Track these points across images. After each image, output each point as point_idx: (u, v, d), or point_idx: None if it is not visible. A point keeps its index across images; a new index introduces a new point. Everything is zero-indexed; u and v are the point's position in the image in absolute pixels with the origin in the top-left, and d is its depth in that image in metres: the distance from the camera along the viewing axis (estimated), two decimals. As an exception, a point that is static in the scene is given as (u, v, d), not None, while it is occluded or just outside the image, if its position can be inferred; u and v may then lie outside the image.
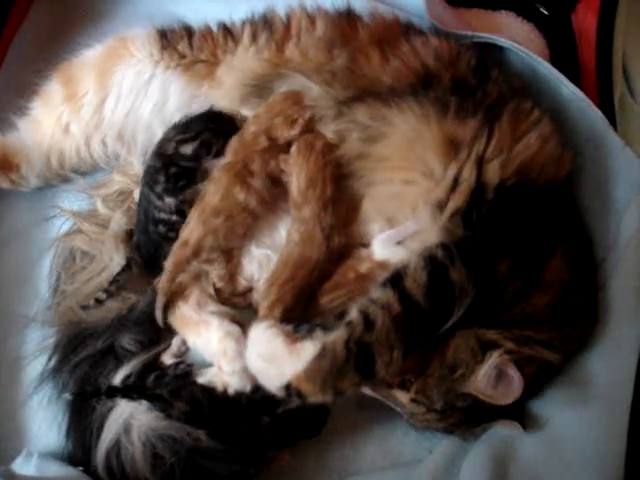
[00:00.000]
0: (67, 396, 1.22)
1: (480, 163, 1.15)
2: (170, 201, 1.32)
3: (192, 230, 1.27)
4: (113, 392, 1.19)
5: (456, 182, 1.15)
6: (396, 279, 1.06)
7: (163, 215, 1.32)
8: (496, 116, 1.20)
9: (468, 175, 1.14)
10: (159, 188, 1.32)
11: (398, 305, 1.03)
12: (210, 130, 1.34)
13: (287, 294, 1.23)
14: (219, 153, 1.34)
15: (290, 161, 1.30)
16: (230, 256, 1.33)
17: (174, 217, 1.32)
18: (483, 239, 1.09)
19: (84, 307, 1.31)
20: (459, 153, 1.17)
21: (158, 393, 1.17)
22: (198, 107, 1.40)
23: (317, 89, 1.31)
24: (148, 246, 1.33)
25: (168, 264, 1.28)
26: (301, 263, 1.25)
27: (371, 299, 1.05)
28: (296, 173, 1.28)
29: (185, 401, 1.17)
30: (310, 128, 1.32)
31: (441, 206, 1.15)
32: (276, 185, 1.33)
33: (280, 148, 1.32)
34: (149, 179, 1.33)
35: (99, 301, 1.31)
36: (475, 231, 1.11)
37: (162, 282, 1.28)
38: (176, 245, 1.28)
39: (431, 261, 1.06)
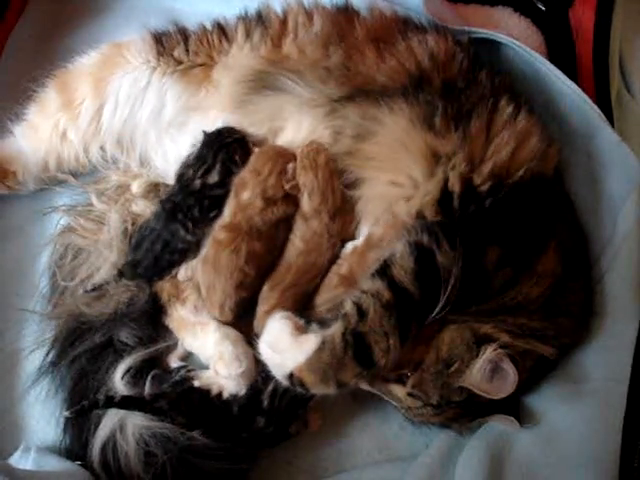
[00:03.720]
0: (67, 414, 1.20)
1: (465, 168, 1.16)
2: (199, 232, 1.31)
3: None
4: (111, 404, 1.17)
5: (441, 189, 1.16)
6: (384, 268, 1.08)
7: (184, 245, 1.32)
8: (472, 118, 1.20)
9: (452, 183, 1.15)
10: (191, 223, 1.31)
11: (388, 293, 1.05)
12: (222, 148, 1.32)
13: (288, 299, 1.24)
14: (244, 160, 1.32)
15: (300, 180, 1.29)
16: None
17: (191, 245, 1.32)
18: (471, 229, 1.11)
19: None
20: (440, 165, 1.18)
21: (158, 407, 1.17)
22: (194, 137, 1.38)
23: (310, 88, 1.30)
24: (148, 268, 1.32)
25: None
26: (305, 270, 1.26)
27: (362, 290, 1.07)
28: (307, 192, 1.28)
29: (184, 414, 1.17)
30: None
31: (424, 210, 1.16)
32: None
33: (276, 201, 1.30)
34: (181, 217, 1.31)
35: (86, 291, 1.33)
36: (462, 222, 1.12)
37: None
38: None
39: (417, 247, 1.08)
